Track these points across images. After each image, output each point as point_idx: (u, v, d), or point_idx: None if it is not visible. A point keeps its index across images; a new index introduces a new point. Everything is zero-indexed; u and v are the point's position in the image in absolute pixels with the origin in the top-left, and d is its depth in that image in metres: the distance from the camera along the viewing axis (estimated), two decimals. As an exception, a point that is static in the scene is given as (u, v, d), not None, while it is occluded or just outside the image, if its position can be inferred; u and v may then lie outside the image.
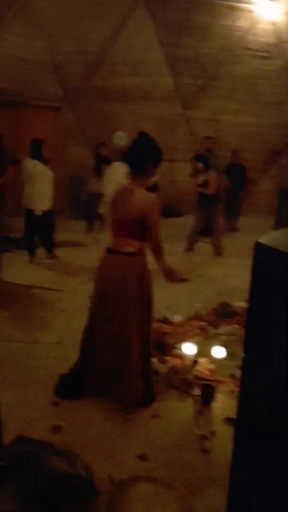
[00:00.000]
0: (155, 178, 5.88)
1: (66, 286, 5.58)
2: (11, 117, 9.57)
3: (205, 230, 8.03)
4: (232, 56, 10.16)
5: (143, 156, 2.94)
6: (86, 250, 7.52)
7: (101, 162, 7.70)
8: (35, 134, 7.56)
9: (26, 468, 1.68)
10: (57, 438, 2.62)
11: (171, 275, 3.10)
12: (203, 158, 7.46)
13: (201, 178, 7.24)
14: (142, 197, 2.91)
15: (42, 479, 1.72)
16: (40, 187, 6.37)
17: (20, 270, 6.17)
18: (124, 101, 10.32)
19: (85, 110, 10.23)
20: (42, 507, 1.69)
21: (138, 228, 2.93)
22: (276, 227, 9.61)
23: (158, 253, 3.00)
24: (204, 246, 7.62)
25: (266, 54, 10.08)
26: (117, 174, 6.12)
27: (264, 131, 10.48)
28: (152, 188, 7.13)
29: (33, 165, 6.31)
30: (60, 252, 7.10)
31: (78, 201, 10.03)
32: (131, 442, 2.74)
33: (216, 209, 7.41)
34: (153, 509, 1.78)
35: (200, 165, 7.26)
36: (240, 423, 1.59)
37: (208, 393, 3.16)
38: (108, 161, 7.98)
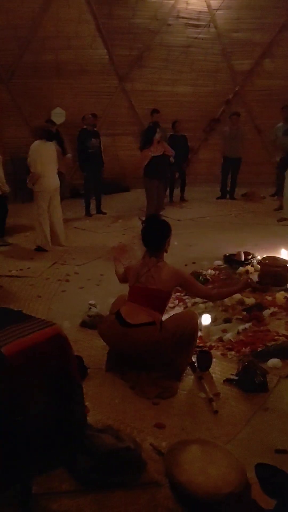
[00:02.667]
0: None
1: (35, 272, 5.54)
2: None
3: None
4: (165, 26, 10.15)
5: (160, 237, 3.31)
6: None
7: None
8: None
9: (79, 447, 1.75)
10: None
11: (245, 287, 3.53)
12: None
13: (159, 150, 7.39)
14: (174, 271, 3.30)
15: (98, 456, 1.82)
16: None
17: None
18: (60, 76, 10.06)
19: (20, 88, 9.88)
20: (101, 481, 1.80)
21: (165, 299, 3.28)
22: (222, 197, 9.94)
23: (221, 297, 3.65)
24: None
25: (198, 23, 10.14)
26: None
27: (201, 100, 10.63)
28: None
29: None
30: (13, 238, 6.99)
31: (23, 183, 9.76)
32: (146, 414, 2.89)
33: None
34: (207, 466, 1.94)
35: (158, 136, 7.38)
36: None
37: (205, 358, 3.36)
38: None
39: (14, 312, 1.47)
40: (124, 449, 1.93)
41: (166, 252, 3.40)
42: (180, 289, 4.09)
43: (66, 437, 1.33)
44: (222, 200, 9.77)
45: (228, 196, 9.85)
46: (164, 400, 3.03)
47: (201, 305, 4.39)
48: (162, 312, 3.33)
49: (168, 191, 9.38)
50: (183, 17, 10.15)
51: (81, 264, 5.84)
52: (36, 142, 6.22)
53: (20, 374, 1.18)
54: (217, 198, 9.88)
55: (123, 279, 3.63)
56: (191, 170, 10.39)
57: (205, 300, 4.48)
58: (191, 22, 10.19)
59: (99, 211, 8.71)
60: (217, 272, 5.29)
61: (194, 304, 4.45)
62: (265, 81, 10.67)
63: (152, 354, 3.13)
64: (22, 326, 1.32)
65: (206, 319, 3.83)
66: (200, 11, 10.12)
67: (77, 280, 5.29)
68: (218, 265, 5.52)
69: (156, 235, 3.33)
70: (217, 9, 10.01)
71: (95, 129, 8.73)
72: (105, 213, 8.67)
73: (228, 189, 9.85)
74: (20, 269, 5.63)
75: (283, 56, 10.51)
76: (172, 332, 3.14)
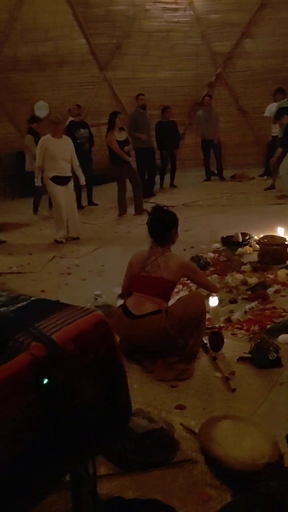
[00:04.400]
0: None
1: (35, 267, 5.54)
2: None
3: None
4: (143, 11, 10.08)
5: (166, 228, 3.33)
6: (34, 228, 7.43)
7: (38, 137, 7.52)
8: None
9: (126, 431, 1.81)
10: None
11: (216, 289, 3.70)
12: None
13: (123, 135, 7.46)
14: (180, 262, 3.34)
15: (134, 438, 1.87)
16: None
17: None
18: (40, 69, 9.98)
19: (1, 83, 9.78)
20: (139, 462, 1.85)
21: (169, 289, 3.30)
22: (207, 179, 10.00)
23: (211, 290, 3.67)
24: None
25: (176, 6, 10.09)
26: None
27: (184, 84, 10.64)
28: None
29: None
30: (8, 235, 6.96)
31: (11, 179, 9.71)
32: (166, 397, 2.94)
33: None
34: (241, 440, 2.00)
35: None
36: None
37: (217, 339, 3.42)
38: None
39: (52, 302, 1.49)
40: (158, 430, 1.98)
41: (174, 243, 3.43)
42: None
43: (115, 421, 1.37)
44: (211, 182, 9.83)
45: (212, 178, 9.91)
46: (181, 383, 3.09)
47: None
48: (167, 300, 3.37)
49: (158, 177, 9.42)
50: (160, 2, 10.09)
51: (81, 257, 5.85)
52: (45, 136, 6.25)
53: (72, 361, 1.21)
54: (204, 181, 9.95)
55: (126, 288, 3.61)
56: (178, 156, 10.39)
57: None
58: (168, 6, 10.13)
59: (90, 202, 8.69)
60: (217, 255, 5.34)
61: (198, 287, 4.50)
62: (246, 62, 10.70)
63: (162, 342, 3.17)
64: (64, 314, 1.35)
65: (213, 301, 3.88)
66: (176, -6, 10.07)
67: (79, 273, 5.31)
68: (217, 248, 5.57)
69: (162, 226, 3.35)
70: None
71: (82, 120, 8.67)
72: (97, 205, 8.67)
73: (216, 172, 9.92)
74: (20, 265, 5.63)
75: (263, 36, 10.52)
76: (179, 317, 3.17)
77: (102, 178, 10.27)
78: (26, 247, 6.37)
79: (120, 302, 3.76)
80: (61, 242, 6.33)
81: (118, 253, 5.89)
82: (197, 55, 10.56)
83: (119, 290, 4.56)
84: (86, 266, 5.50)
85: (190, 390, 3.01)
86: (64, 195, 6.27)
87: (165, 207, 3.60)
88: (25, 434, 1.13)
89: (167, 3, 10.09)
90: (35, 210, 8.03)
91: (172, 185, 9.75)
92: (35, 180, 6.34)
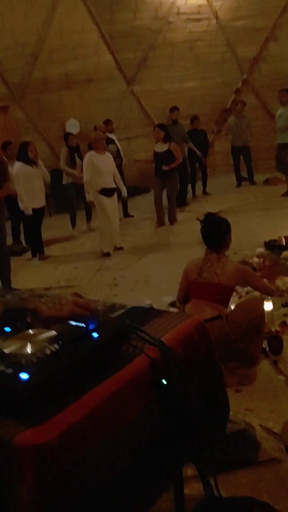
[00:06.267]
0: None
1: (82, 280, 5.66)
2: None
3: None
4: (167, 24, 10.24)
5: (220, 234, 3.39)
6: (75, 242, 7.57)
7: (73, 152, 7.72)
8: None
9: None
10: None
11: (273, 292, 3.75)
12: (164, 127, 7.65)
13: (163, 147, 7.47)
14: (237, 267, 3.44)
15: (225, 437, 1.92)
16: (26, 187, 6.34)
17: (25, 274, 6.15)
18: (69, 87, 10.21)
19: (33, 104, 10.05)
20: (226, 462, 1.89)
21: (228, 294, 3.35)
22: (239, 184, 10.01)
23: (269, 293, 3.68)
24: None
25: (199, 16, 10.20)
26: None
27: (211, 92, 10.70)
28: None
29: (16, 167, 6.28)
30: (51, 249, 7.11)
31: (47, 197, 9.91)
32: (232, 401, 2.95)
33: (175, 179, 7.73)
34: None
35: (162, 133, 7.46)
36: None
37: (275, 343, 3.42)
38: (77, 150, 8.00)
39: (147, 309, 1.56)
40: (242, 431, 2.02)
41: (228, 248, 3.47)
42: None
43: (216, 419, 1.42)
44: (243, 188, 9.84)
45: (243, 184, 9.92)
46: (245, 387, 3.10)
47: (256, 293, 4.45)
48: (226, 305, 3.40)
49: (190, 186, 9.49)
50: (183, 13, 10.23)
51: (125, 268, 5.94)
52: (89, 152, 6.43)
53: (181, 362, 1.27)
54: (236, 187, 9.98)
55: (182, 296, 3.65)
56: (208, 163, 10.44)
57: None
58: (192, 16, 10.26)
59: (126, 214, 8.80)
60: (262, 259, 5.33)
61: (248, 293, 4.51)
62: (272, 65, 10.70)
63: (223, 347, 3.20)
64: (164, 319, 1.41)
65: (268, 306, 3.89)
66: (200, 5, 10.19)
67: (125, 283, 5.39)
68: (260, 253, 5.56)
69: (215, 232, 3.40)
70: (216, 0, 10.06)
71: (110, 135, 8.80)
72: (132, 216, 8.77)
73: (247, 177, 9.93)
74: (68, 279, 5.75)
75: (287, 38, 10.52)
76: (239, 322, 3.20)
77: (134, 189, 10.39)
78: (70, 261, 6.50)
79: (172, 310, 3.81)
80: (108, 254, 6.44)
81: (161, 262, 5.95)
82: (222, 62, 10.62)
83: (168, 299, 4.64)
84: (132, 277, 5.58)
85: (255, 394, 3.02)
86: (111, 206, 6.43)
87: (216, 214, 3.65)
88: (146, 433, 1.19)
89: (190, 14, 10.21)
90: (73, 224, 8.19)
91: (204, 192, 9.79)
92: (86, 195, 6.48)
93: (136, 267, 5.94)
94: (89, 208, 8.02)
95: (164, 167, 7.38)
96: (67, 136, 8.18)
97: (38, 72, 9.88)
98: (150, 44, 10.29)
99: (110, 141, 8.61)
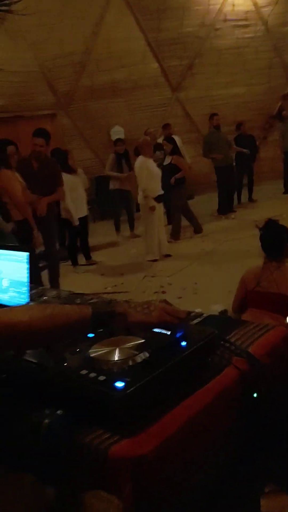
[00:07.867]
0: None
1: (129, 286, 5.65)
2: (9, 133, 9.48)
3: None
4: (213, 31, 10.20)
5: (280, 241, 3.26)
6: (120, 248, 7.60)
7: (121, 158, 7.77)
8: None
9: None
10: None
11: None
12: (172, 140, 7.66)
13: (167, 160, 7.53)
14: None
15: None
16: (73, 196, 6.39)
17: (72, 280, 6.21)
18: (115, 95, 10.31)
19: (79, 112, 10.21)
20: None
21: (287, 304, 3.19)
22: (286, 191, 9.80)
23: None
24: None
25: (246, 22, 10.12)
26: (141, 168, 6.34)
27: (257, 98, 10.57)
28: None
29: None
30: (96, 255, 7.16)
31: (92, 203, 10.02)
32: None
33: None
34: None
35: (169, 146, 7.46)
36: None
37: None
38: (125, 156, 8.04)
39: (225, 318, 1.52)
40: None
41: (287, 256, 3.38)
42: None
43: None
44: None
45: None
46: None
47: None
48: (286, 316, 3.29)
49: (236, 193, 9.37)
50: (230, 20, 10.17)
51: (171, 275, 5.90)
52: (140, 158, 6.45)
53: (268, 373, 1.22)
54: (283, 193, 9.77)
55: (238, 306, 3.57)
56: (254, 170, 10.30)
57: None
58: (239, 23, 10.18)
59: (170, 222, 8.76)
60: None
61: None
62: None
63: None
64: (246, 329, 1.37)
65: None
66: (247, 11, 10.11)
67: (173, 291, 5.35)
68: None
69: (275, 239, 3.28)
70: (263, 7, 9.95)
71: (157, 141, 8.84)
72: (173, 223, 8.72)
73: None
74: (114, 285, 5.76)
75: None
76: None
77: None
78: (116, 267, 6.52)
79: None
80: (155, 261, 6.42)
81: (209, 270, 5.89)
82: (269, 68, 10.49)
83: (218, 307, 4.55)
84: (179, 284, 5.53)
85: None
86: (158, 212, 6.47)
87: (276, 220, 3.54)
88: (234, 447, 1.14)
89: (237, 20, 10.14)
90: (117, 230, 8.22)
91: (250, 199, 9.65)
92: (141, 200, 6.49)
93: (183, 274, 5.89)
94: (131, 216, 8.07)
95: (172, 180, 7.31)
96: (116, 142, 8.25)
97: (85, 80, 10.03)
98: (196, 51, 10.27)
99: (158, 147, 8.62)
